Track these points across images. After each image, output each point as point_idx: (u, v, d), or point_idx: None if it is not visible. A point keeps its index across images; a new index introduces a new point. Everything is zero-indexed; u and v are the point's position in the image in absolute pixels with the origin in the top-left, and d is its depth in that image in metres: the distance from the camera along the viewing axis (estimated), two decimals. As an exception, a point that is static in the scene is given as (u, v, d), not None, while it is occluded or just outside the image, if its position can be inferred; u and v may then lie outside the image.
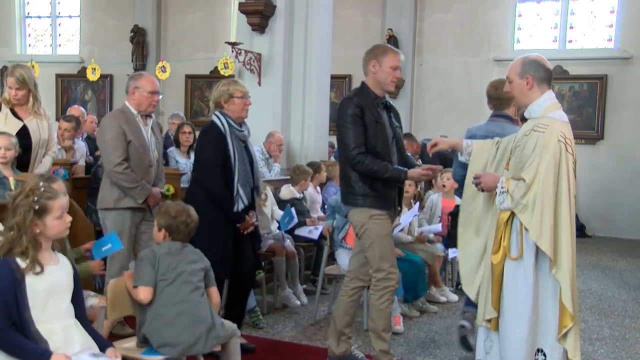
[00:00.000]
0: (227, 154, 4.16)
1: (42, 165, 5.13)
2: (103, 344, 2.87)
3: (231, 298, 4.45)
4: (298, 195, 6.30)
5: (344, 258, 5.21)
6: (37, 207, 2.66)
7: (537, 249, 3.25)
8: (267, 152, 7.23)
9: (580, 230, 10.21)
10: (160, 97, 4.62)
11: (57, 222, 2.72)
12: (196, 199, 4.07)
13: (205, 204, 4.06)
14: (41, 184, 2.72)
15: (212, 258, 3.63)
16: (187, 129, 6.84)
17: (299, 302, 5.73)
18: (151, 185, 4.47)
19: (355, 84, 12.37)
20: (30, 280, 2.65)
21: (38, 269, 2.67)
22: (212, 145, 4.18)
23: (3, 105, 5.00)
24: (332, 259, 5.73)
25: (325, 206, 6.25)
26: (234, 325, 3.51)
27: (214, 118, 4.28)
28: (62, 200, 2.75)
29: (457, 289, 6.47)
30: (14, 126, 4.92)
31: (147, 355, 3.21)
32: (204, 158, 4.25)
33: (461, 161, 3.79)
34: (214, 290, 3.49)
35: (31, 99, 4.98)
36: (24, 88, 4.91)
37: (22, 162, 4.95)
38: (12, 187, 4.62)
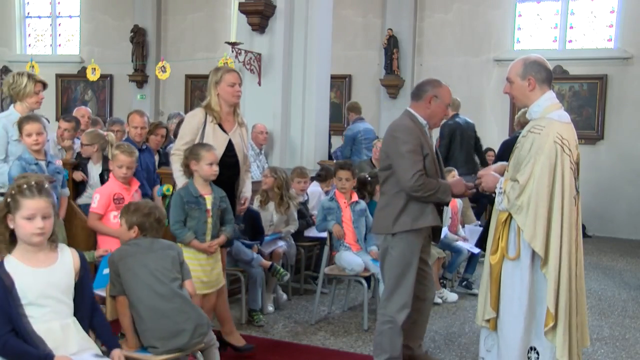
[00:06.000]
0: None
1: (247, 186, 4.56)
2: (111, 344, 2.88)
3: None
4: (301, 199, 6.17)
5: (349, 257, 5.23)
6: (9, 200, 2.65)
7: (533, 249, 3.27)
8: (256, 146, 7.21)
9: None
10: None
11: (23, 222, 2.63)
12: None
13: None
14: (33, 181, 2.67)
15: None
16: None
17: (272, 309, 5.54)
18: None
19: (355, 84, 12.42)
20: (22, 282, 2.62)
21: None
22: None
23: (208, 119, 4.39)
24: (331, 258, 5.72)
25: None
26: (213, 335, 3.49)
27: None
28: (38, 203, 2.64)
29: (461, 285, 6.50)
30: (222, 142, 4.32)
31: (145, 355, 3.20)
32: None
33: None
34: (188, 283, 3.40)
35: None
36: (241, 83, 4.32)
37: (229, 182, 4.35)
38: (209, 206, 4.07)
